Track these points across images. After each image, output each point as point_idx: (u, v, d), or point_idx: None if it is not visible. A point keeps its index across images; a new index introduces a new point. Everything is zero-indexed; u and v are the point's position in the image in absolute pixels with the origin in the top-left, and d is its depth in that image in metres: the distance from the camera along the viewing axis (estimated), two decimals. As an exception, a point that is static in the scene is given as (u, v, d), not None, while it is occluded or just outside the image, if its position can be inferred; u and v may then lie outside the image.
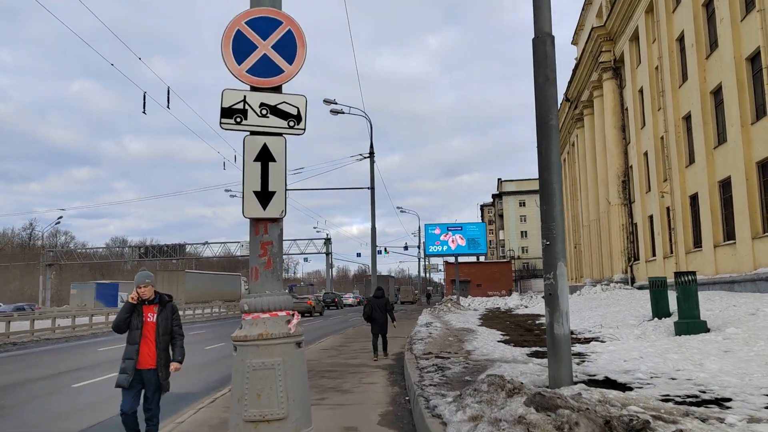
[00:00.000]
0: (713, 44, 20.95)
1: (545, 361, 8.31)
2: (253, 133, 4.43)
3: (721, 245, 20.33)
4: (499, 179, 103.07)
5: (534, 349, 10.35)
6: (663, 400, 5.28)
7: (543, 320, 19.99)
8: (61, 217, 66.34)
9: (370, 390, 8.36)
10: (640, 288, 28.45)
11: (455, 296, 41.77)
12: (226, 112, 4.41)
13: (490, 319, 22.28)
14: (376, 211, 26.78)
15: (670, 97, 24.51)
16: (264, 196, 4.35)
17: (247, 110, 4.44)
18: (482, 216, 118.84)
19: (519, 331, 15.05)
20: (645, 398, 5.26)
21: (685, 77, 23.45)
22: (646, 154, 28.62)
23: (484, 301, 42.48)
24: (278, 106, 4.49)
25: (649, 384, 6.06)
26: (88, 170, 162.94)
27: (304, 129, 4.51)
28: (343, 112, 25.94)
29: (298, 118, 4.52)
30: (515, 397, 4.46)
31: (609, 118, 33.19)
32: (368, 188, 26.18)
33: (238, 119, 4.42)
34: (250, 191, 4.34)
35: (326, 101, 25.95)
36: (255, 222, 4.39)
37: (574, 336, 12.60)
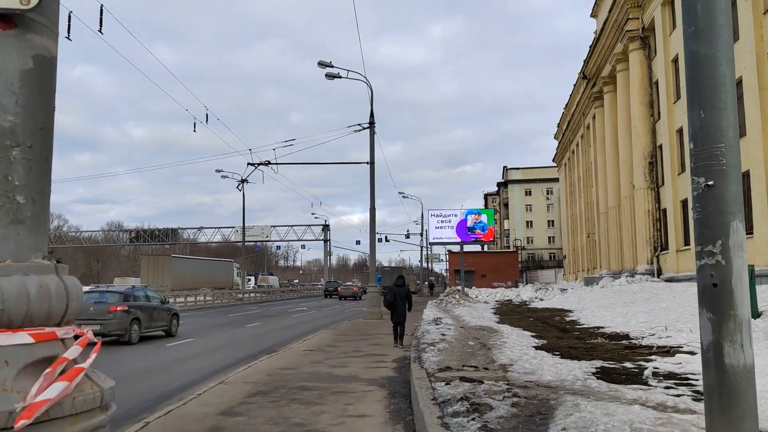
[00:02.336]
0: (774, -5, 17.83)
1: (643, 395, 5.19)
2: None
3: (782, 231, 17.32)
4: (504, 167, 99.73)
5: (596, 363, 7.26)
6: None
7: (572, 316, 16.86)
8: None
9: (358, 432, 5.33)
10: (669, 280, 25.38)
11: (460, 287, 38.66)
12: None
13: (508, 314, 19.24)
14: (376, 200, 23.68)
15: (714, 62, 21.34)
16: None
17: None
18: (486, 205, 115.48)
19: (552, 331, 12.01)
20: None
21: (735, 38, 20.28)
22: (680, 130, 25.43)
23: (492, 293, 39.38)
24: None
25: None
26: (90, 156, 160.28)
27: None
28: (340, 76, 22.70)
29: None
30: None
31: (635, 93, 29.97)
32: (367, 163, 23.04)
33: None
34: None
35: (321, 63, 22.79)
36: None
37: (633, 342, 9.55)
